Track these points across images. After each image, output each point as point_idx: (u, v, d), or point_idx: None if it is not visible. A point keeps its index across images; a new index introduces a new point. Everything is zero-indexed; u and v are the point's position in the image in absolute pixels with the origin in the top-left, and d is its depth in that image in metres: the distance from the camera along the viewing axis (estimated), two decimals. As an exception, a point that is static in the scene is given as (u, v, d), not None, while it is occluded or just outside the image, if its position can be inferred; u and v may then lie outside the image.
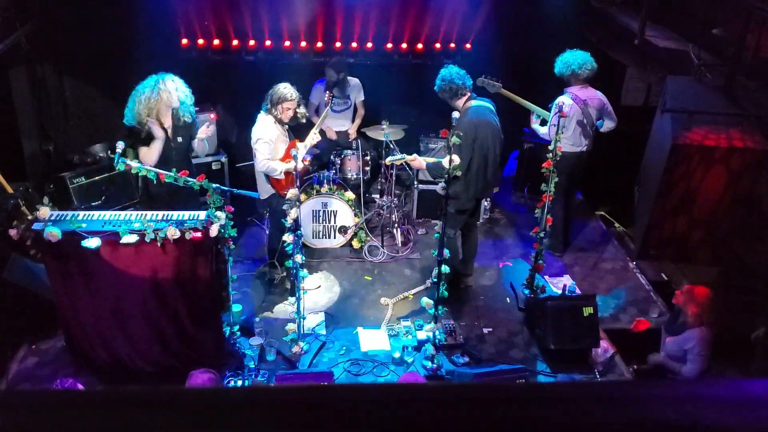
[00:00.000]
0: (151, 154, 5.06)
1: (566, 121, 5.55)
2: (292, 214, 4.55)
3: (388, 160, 5.55)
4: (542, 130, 5.96)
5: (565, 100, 5.76)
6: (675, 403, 0.87)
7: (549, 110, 5.94)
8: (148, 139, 5.07)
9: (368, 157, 6.83)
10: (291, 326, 4.90)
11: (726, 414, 0.84)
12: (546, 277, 5.90)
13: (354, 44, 7.25)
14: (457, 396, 0.87)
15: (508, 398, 0.87)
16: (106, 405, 0.87)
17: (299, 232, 4.64)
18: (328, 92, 6.33)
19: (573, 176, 6.08)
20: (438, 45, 7.45)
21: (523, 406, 0.85)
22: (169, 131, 5.13)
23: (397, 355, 4.92)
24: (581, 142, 5.95)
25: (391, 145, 6.37)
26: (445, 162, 4.44)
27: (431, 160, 5.32)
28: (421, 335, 5.09)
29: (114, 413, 0.84)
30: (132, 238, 4.07)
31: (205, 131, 5.45)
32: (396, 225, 6.65)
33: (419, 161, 5.36)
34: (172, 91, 5.00)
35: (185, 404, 0.87)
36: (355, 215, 6.36)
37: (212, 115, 6.64)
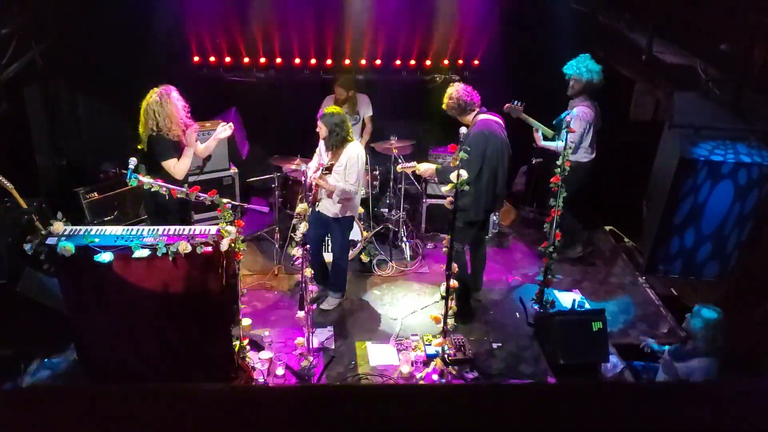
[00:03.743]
0: (181, 166, 4.97)
1: (587, 127, 5.76)
2: (302, 228, 4.59)
3: (399, 168, 5.60)
4: (559, 144, 5.97)
5: (584, 108, 5.87)
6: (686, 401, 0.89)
7: (557, 126, 5.96)
8: (166, 153, 4.94)
9: (377, 172, 6.86)
10: (300, 340, 4.93)
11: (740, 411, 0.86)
12: (555, 291, 5.89)
13: (363, 61, 7.32)
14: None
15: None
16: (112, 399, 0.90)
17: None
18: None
19: (585, 186, 6.12)
20: (446, 61, 7.52)
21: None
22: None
23: (406, 369, 4.93)
24: (593, 150, 6.06)
25: (400, 159, 6.41)
26: (453, 177, 4.46)
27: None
28: (430, 350, 5.09)
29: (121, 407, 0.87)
30: (144, 253, 4.12)
31: (224, 132, 5.25)
32: (405, 239, 6.67)
33: (427, 166, 5.38)
34: (176, 101, 4.94)
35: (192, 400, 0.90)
36: (364, 229, 6.39)
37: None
